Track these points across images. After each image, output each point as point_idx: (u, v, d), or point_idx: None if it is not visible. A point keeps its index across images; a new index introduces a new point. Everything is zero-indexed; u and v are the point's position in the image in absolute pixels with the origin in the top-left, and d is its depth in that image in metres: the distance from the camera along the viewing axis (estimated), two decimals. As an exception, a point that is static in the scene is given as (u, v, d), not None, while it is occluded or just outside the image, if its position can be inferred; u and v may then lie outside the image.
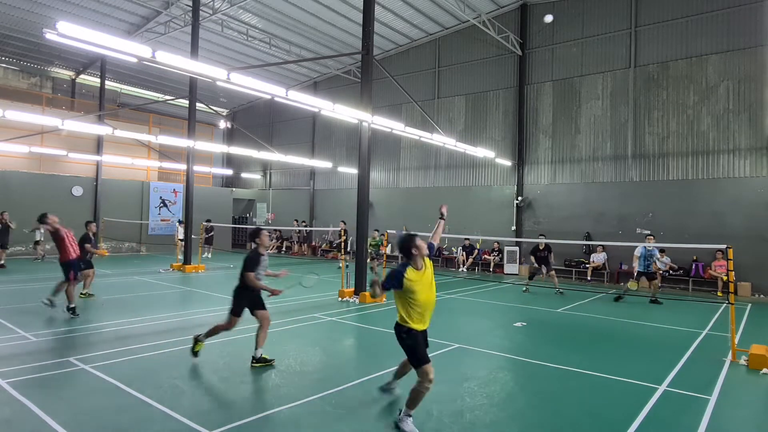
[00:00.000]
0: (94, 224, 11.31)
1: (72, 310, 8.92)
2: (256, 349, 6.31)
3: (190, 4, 16.97)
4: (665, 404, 5.28)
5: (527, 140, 19.02)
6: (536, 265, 13.62)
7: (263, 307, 6.47)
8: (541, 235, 14.78)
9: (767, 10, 14.44)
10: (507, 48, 19.00)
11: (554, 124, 18.40)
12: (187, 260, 16.90)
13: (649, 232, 12.64)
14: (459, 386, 5.69)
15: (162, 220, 24.74)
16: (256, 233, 6.57)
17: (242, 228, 29.61)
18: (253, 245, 6.53)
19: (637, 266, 12.15)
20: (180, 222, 19.38)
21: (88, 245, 10.39)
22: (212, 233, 21.94)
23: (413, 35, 21.50)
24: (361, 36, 12.13)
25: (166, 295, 11.84)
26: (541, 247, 13.59)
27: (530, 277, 13.88)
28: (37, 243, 18.48)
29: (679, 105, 15.86)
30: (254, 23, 20.07)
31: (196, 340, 6.45)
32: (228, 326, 6.33)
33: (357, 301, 11.38)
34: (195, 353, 6.42)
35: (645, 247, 12.02)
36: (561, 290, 13.42)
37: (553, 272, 13.74)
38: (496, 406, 5.17)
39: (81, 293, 10.59)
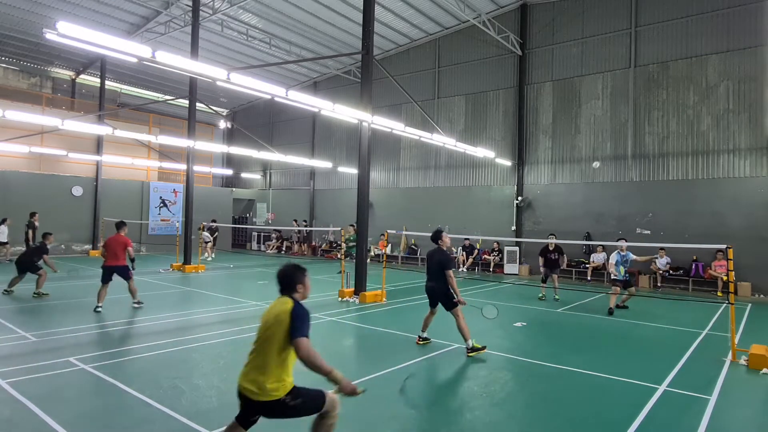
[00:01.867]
0: (52, 236, 11.94)
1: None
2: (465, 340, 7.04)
3: (190, 4, 16.97)
4: (665, 404, 5.28)
5: (527, 140, 19.03)
6: (543, 268, 12.53)
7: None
8: (551, 234, 13.44)
9: (767, 10, 14.44)
10: (507, 48, 19.00)
11: (554, 124, 18.40)
12: (187, 260, 16.90)
13: (625, 240, 11.52)
14: (459, 386, 5.69)
15: (162, 220, 24.74)
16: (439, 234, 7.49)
17: (242, 228, 29.62)
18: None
19: (615, 274, 11.07)
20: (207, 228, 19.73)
21: (46, 256, 11.24)
22: (216, 233, 21.89)
23: (413, 35, 21.51)
24: (361, 36, 12.13)
25: (166, 295, 11.83)
26: (551, 248, 12.44)
27: (543, 281, 12.68)
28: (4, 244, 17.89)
29: (679, 105, 15.87)
30: (254, 23, 20.07)
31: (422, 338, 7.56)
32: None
33: (357, 301, 11.38)
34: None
35: (619, 253, 11.05)
36: (557, 297, 12.66)
37: (556, 275, 12.62)
38: (496, 406, 5.17)
39: (34, 293, 11.05)
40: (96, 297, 9.58)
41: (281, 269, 3.54)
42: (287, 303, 3.35)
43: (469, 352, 6.89)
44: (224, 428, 3.55)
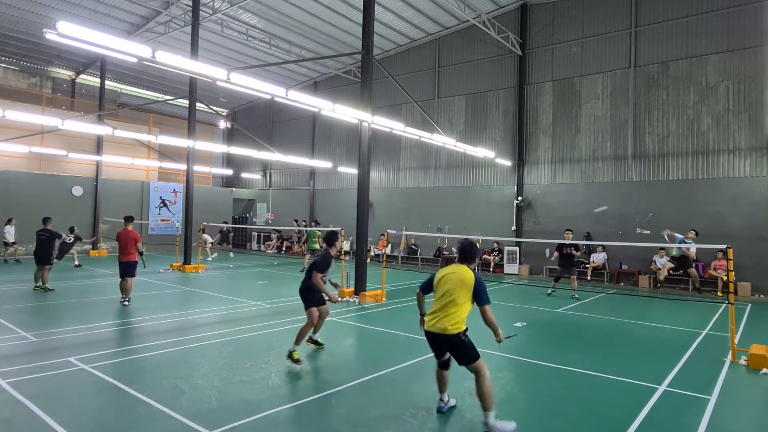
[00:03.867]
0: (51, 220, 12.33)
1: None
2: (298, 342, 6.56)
3: (190, 4, 16.97)
4: (665, 404, 5.28)
5: (527, 140, 19.03)
6: (558, 266, 12.79)
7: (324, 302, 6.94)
8: (567, 230, 13.38)
9: (767, 10, 14.44)
10: (507, 48, 19.00)
11: (554, 124, 18.40)
12: (187, 260, 16.90)
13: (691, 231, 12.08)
14: (459, 386, 5.68)
15: (162, 220, 24.74)
16: (335, 236, 6.98)
17: (242, 228, 29.64)
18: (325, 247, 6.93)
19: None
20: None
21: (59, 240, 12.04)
22: (231, 234, 21.88)
23: (413, 35, 21.50)
24: (361, 36, 12.13)
25: (166, 295, 11.84)
26: (567, 243, 12.59)
27: (556, 279, 12.97)
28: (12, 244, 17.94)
29: (679, 105, 15.86)
30: (254, 23, 20.07)
31: (291, 352, 6.46)
32: (311, 322, 6.77)
33: (357, 301, 11.38)
34: (296, 360, 6.35)
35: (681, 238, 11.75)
36: (576, 296, 12.52)
37: (574, 276, 12.58)
38: (497, 406, 5.16)
39: (43, 287, 11.62)
40: (120, 292, 10.28)
41: (464, 242, 4.85)
42: (469, 272, 4.64)
43: (289, 356, 6.39)
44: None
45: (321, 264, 6.69)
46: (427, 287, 4.91)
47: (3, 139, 18.10)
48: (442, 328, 4.50)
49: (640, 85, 16.57)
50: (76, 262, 17.01)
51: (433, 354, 4.85)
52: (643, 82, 16.50)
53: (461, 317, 4.54)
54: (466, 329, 4.58)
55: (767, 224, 14.18)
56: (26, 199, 19.73)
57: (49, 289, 11.52)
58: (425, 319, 4.73)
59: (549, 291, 12.92)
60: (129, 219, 10.55)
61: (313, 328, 6.96)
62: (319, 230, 15.72)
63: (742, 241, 13.66)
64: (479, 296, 4.53)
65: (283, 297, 11.86)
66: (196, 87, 17.34)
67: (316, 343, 7.24)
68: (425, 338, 4.73)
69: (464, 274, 4.60)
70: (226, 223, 21.76)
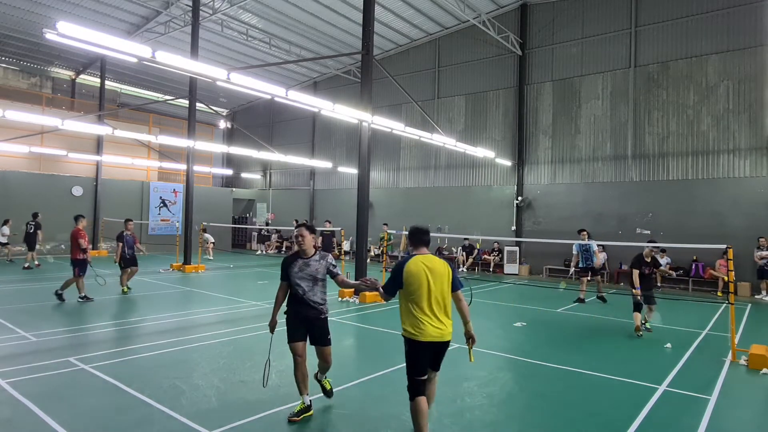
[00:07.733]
0: (132, 223, 12.37)
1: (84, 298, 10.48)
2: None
3: (190, 4, 16.97)
4: (665, 404, 5.28)
5: (527, 140, 19.03)
6: (637, 288, 8.63)
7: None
8: (651, 241, 9.77)
9: (767, 10, 14.44)
10: (507, 48, 19.00)
11: (554, 124, 18.40)
12: (187, 260, 16.90)
13: (584, 229, 12.47)
14: (459, 386, 5.68)
15: (162, 220, 24.74)
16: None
17: (242, 228, 29.65)
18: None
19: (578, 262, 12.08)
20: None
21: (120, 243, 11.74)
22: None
23: (413, 35, 21.50)
24: (361, 36, 12.14)
25: (166, 295, 11.83)
26: (647, 259, 8.94)
27: (637, 308, 8.68)
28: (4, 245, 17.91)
29: (679, 105, 15.87)
30: (254, 23, 20.07)
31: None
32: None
33: (357, 301, 11.38)
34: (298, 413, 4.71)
35: (579, 244, 12.00)
36: (648, 326, 9.02)
37: (653, 306, 9.02)
38: (496, 406, 5.17)
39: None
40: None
41: (421, 228, 4.20)
42: (439, 259, 4.13)
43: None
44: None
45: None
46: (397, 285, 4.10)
47: (3, 139, 18.09)
48: (448, 333, 4.10)
49: (640, 85, 16.57)
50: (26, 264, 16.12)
51: (414, 374, 4.14)
52: (643, 82, 16.50)
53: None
54: None
55: (767, 224, 14.18)
56: (26, 199, 19.71)
57: (129, 289, 11.85)
58: (422, 327, 4.06)
59: (638, 332, 8.56)
60: (76, 217, 10.73)
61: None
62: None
63: (742, 241, 13.65)
64: (456, 280, 4.08)
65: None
66: (196, 87, 17.34)
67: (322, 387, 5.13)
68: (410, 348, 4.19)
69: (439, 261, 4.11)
70: (329, 222, 21.78)
